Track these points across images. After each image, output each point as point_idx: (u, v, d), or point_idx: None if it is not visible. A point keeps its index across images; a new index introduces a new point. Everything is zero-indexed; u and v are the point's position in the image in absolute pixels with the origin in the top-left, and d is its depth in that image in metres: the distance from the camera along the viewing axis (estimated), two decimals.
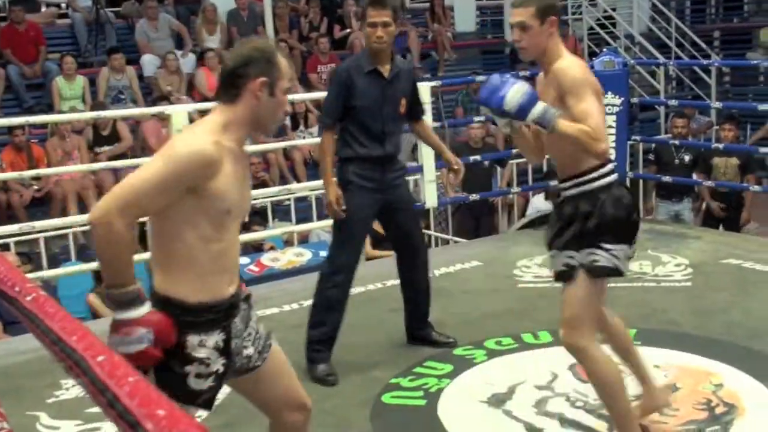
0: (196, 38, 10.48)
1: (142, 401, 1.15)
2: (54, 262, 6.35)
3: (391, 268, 4.23)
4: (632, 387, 3.04)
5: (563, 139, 2.73)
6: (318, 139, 4.13)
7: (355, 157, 3.87)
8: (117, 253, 2.05)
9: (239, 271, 2.32)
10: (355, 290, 4.07)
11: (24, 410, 3.57)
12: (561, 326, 2.88)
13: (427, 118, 5.99)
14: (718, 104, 8.50)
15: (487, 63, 12.57)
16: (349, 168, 3.87)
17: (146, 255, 4.48)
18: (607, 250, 2.75)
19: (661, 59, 11.53)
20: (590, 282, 2.80)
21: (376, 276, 4.96)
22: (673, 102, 8.12)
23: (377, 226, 4.33)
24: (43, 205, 7.77)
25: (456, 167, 4.07)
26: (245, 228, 6.73)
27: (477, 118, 7.61)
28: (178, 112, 5.19)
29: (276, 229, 6.45)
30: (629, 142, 6.54)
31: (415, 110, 4.03)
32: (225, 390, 3.75)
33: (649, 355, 3.84)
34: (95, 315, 5.79)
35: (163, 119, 7.17)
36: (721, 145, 6.68)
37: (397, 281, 4.16)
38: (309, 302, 4.00)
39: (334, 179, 3.86)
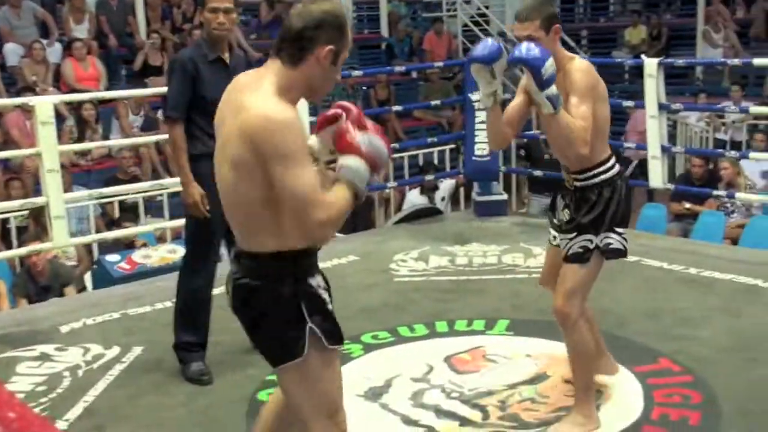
0: (62, 27, 10.09)
1: None
2: None
3: None
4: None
5: (554, 128, 2.93)
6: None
7: (208, 152, 3.72)
8: (343, 213, 2.12)
9: None
10: (216, 291, 3.99)
11: None
12: (557, 296, 3.11)
13: (303, 112, 5.96)
14: None
15: (363, 58, 12.62)
16: (202, 164, 3.60)
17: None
18: (619, 234, 3.06)
19: None
20: (598, 262, 3.08)
21: None
22: None
23: None
24: None
25: None
26: (115, 224, 6.54)
27: None
28: (43, 103, 4.97)
29: (148, 226, 6.27)
30: None
31: None
32: (94, 393, 3.66)
33: (521, 345, 3.95)
34: None
35: (27, 111, 6.85)
36: None
37: None
38: None
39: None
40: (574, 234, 3.07)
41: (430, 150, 8.46)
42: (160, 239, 6.64)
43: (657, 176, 5.75)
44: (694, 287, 4.76)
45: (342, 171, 2.13)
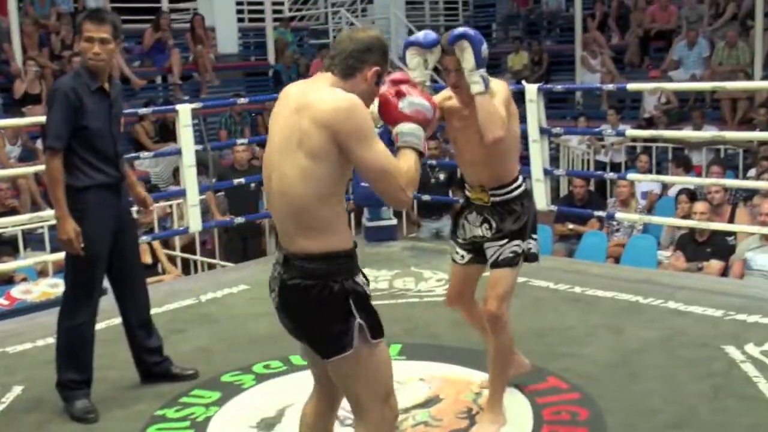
0: None
1: None
2: None
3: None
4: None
5: (480, 110, 3.10)
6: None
7: (92, 184, 3.61)
8: (418, 175, 2.42)
9: None
10: (100, 325, 3.87)
11: None
12: (491, 300, 3.27)
13: (189, 140, 5.89)
14: None
15: (250, 85, 12.55)
16: (85, 197, 3.59)
17: None
18: (535, 240, 3.36)
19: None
20: (519, 266, 3.32)
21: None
22: None
23: None
24: None
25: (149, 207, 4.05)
26: None
27: (240, 141, 7.55)
28: None
29: (28, 260, 6.04)
30: None
31: None
32: (38, 388, 3.45)
33: (414, 369, 3.96)
34: None
35: None
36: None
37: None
38: None
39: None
40: (506, 240, 3.28)
41: None
42: (42, 273, 6.40)
43: (541, 198, 5.89)
44: (579, 306, 4.90)
45: (401, 139, 2.42)
